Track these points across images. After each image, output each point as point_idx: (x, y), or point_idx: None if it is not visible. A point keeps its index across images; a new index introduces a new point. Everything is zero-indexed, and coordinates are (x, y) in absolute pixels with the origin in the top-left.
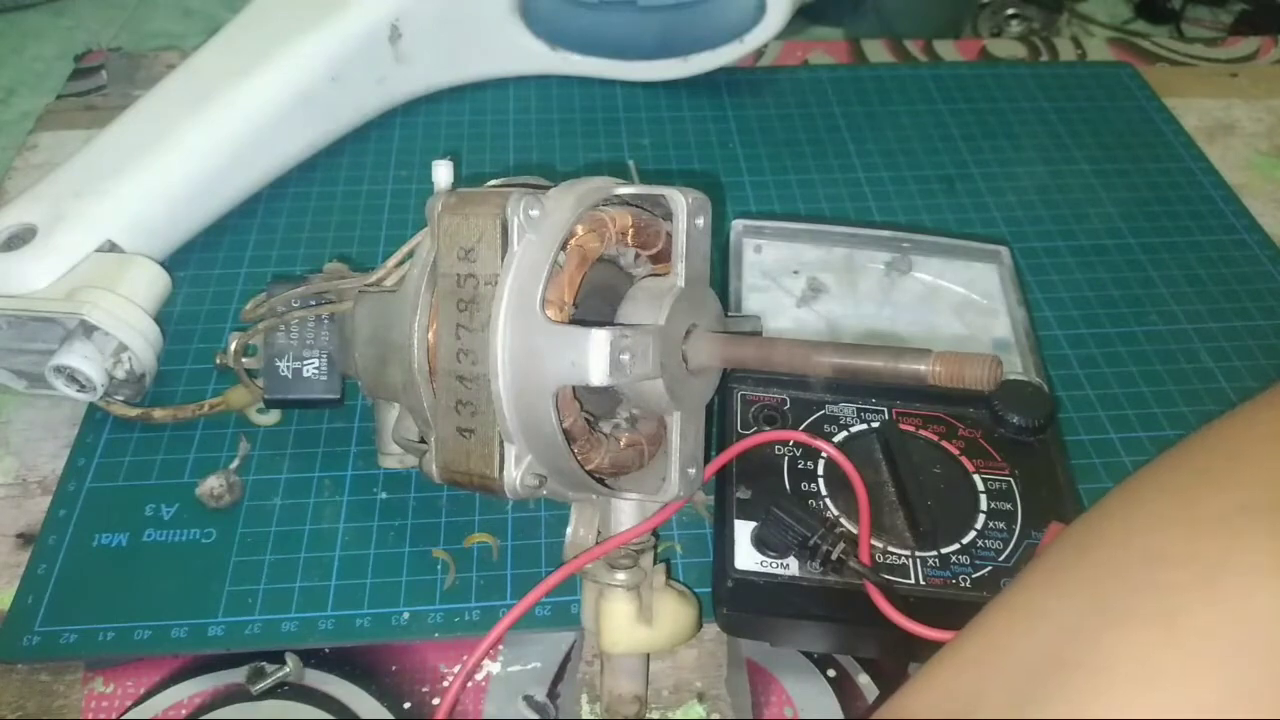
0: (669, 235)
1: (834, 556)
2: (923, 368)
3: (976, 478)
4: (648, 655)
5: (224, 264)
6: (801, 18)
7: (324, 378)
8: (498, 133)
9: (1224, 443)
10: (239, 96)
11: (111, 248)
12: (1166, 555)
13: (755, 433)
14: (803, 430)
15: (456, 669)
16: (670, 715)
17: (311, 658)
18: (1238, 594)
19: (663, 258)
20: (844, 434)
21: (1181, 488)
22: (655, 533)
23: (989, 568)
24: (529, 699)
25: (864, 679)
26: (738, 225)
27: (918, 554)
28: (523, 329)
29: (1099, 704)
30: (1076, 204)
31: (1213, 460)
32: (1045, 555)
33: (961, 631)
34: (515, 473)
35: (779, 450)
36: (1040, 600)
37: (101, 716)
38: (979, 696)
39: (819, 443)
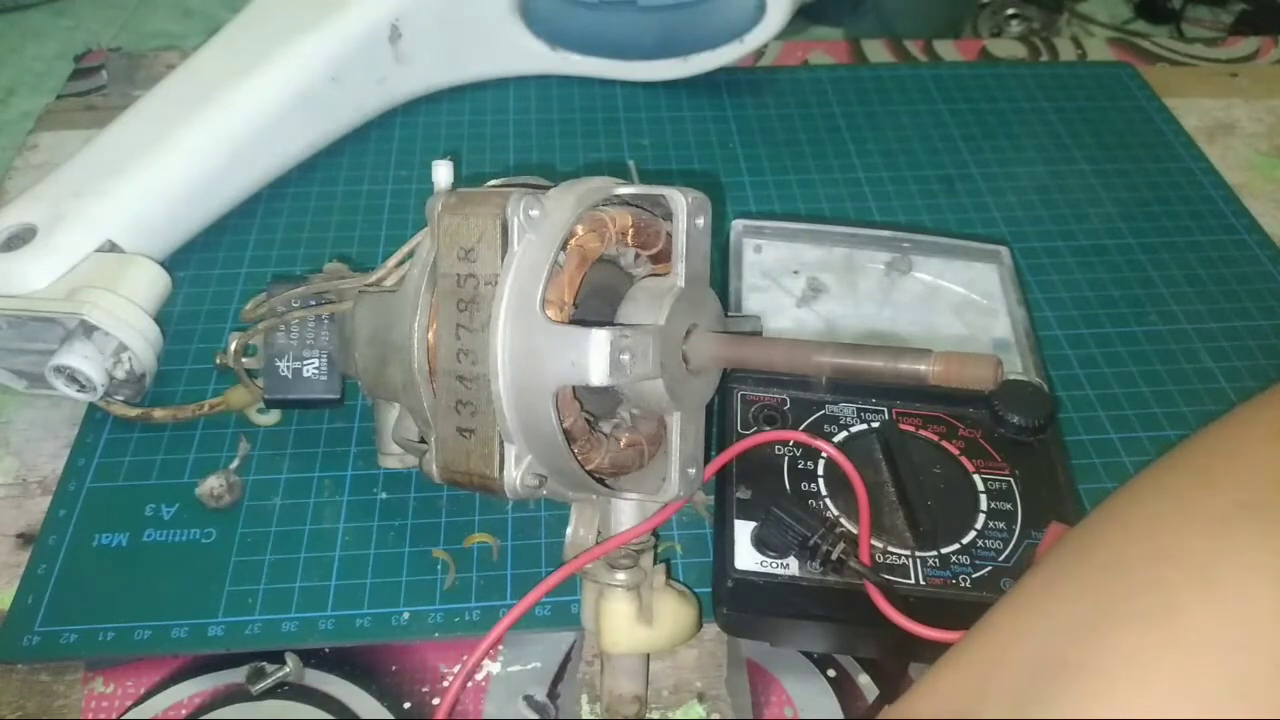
0: (669, 235)
1: (834, 556)
2: (923, 368)
3: (976, 478)
4: (648, 655)
5: (224, 264)
6: (801, 18)
7: (324, 378)
8: (498, 133)
9: (1222, 443)
10: (239, 96)
11: (111, 248)
12: (1165, 555)
13: (755, 433)
14: (803, 430)
15: (456, 669)
16: (670, 715)
17: (311, 658)
18: (1236, 591)
19: (663, 258)
20: (844, 434)
21: (1180, 489)
22: (655, 533)
23: (989, 568)
24: (529, 699)
25: (864, 679)
26: (738, 225)
27: (918, 554)
28: (523, 329)
29: (1100, 703)
30: (1076, 204)
31: (1211, 460)
32: (1047, 558)
33: (965, 635)
34: (515, 473)
35: (779, 450)
36: (1042, 602)
37: (101, 716)
38: (982, 698)
39: (819, 443)
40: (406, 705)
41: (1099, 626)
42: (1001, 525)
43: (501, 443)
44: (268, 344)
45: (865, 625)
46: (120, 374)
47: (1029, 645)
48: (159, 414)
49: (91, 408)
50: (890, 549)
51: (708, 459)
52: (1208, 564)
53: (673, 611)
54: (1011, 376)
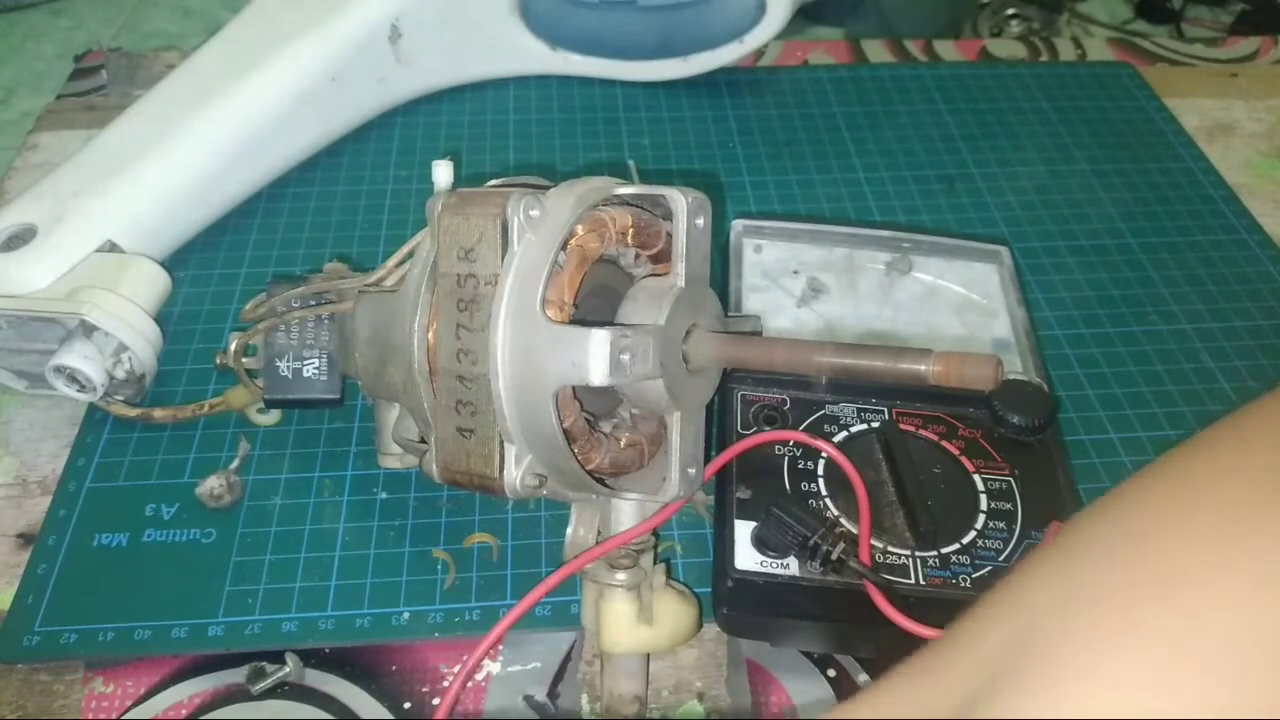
0: (669, 235)
1: (834, 556)
2: (923, 368)
3: (976, 478)
4: (648, 655)
5: (224, 264)
6: (801, 18)
7: (324, 378)
8: (498, 133)
9: (1203, 450)
10: (239, 96)
11: (111, 248)
12: (1114, 561)
13: (755, 433)
14: (803, 430)
15: (456, 669)
16: (670, 715)
17: (311, 658)
18: (1185, 592)
19: (663, 258)
20: (844, 434)
21: (1159, 495)
22: (655, 533)
23: (989, 568)
24: (529, 699)
25: (864, 679)
26: (738, 225)
27: (918, 554)
28: (523, 329)
29: (1036, 701)
30: (1076, 204)
31: (1190, 466)
32: (1016, 567)
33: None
34: (515, 473)
35: (779, 450)
36: (997, 605)
37: (101, 716)
38: (934, 700)
39: (819, 443)
40: (406, 705)
41: (1045, 626)
42: (1001, 525)
43: (501, 443)
44: (268, 344)
45: (865, 625)
46: (120, 374)
47: (993, 637)
48: (159, 414)
49: (91, 408)
50: (890, 549)
51: (708, 459)
52: (1168, 567)
53: (673, 611)
54: (1011, 376)
